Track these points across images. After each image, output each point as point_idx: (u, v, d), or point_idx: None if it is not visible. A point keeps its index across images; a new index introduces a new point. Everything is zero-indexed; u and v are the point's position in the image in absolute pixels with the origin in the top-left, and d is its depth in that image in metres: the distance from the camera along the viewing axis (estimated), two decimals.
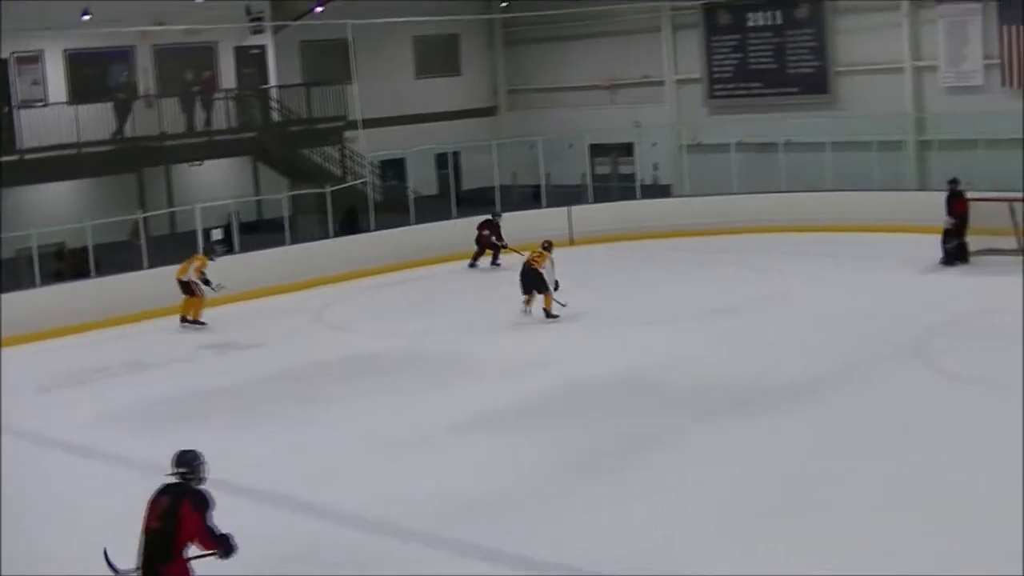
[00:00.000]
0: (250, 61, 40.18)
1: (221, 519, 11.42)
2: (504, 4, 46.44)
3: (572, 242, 36.30)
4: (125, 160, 36.00)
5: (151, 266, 30.56)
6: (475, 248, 34.51)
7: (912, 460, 16.47)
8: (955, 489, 15.25)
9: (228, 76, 39.72)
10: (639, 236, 36.23)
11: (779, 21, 41.30)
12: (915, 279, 29.10)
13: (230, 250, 33.06)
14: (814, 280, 29.77)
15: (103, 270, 30.04)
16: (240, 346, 26.56)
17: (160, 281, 29.35)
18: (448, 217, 37.21)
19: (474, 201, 39.11)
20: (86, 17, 34.23)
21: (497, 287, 31.00)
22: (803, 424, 18.48)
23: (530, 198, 40.66)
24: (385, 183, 41.75)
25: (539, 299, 27.03)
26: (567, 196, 39.36)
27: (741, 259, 32.27)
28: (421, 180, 40.01)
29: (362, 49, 40.00)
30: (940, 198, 30.75)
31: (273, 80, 40.55)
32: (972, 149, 35.07)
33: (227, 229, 33.79)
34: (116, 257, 31.06)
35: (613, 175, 44.59)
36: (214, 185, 37.89)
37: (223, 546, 11.42)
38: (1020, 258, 29.39)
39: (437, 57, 47.06)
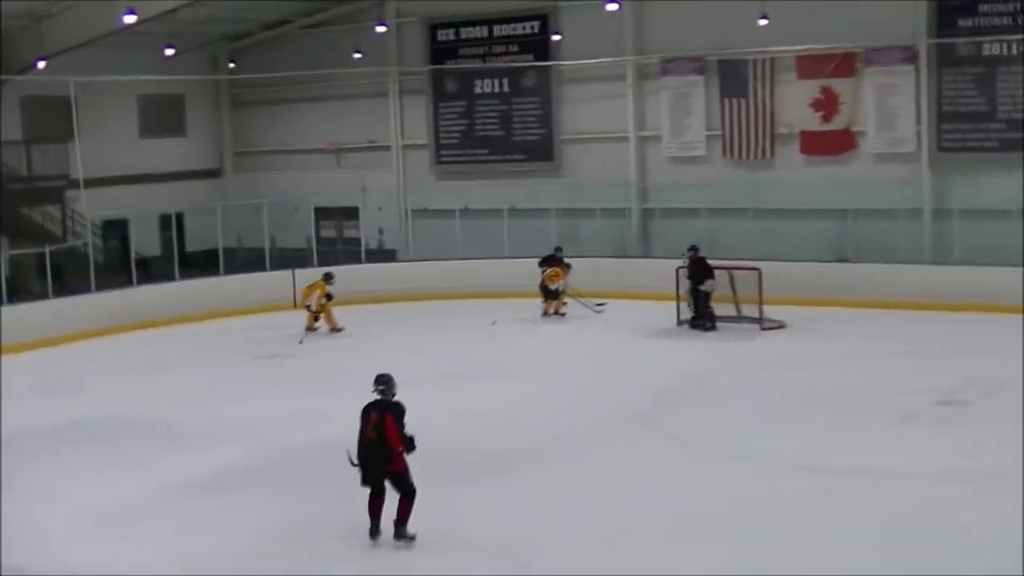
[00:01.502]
0: None
1: None
2: (231, 65, 46.09)
3: (296, 306, 35.99)
4: None
5: None
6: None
7: (638, 527, 16.61)
8: (686, 555, 15.41)
9: None
10: (365, 300, 35.97)
11: (506, 89, 41.83)
12: (644, 344, 29.61)
13: None
14: (540, 346, 30.03)
15: None
16: None
17: None
18: (171, 279, 36.61)
19: (197, 263, 38.59)
20: None
21: (214, 350, 30.59)
22: (529, 489, 18.45)
23: (254, 261, 40.22)
24: (107, 244, 40.89)
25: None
26: (292, 259, 39.07)
27: (465, 324, 32.34)
28: (144, 241, 39.38)
29: (85, 107, 39.16)
30: (663, 264, 31.54)
31: None
32: (694, 218, 35.89)
33: None
34: None
35: (338, 239, 44.50)
36: None
37: (408, 444, 15.48)
38: (740, 325, 30.26)
39: (162, 117, 46.32)
